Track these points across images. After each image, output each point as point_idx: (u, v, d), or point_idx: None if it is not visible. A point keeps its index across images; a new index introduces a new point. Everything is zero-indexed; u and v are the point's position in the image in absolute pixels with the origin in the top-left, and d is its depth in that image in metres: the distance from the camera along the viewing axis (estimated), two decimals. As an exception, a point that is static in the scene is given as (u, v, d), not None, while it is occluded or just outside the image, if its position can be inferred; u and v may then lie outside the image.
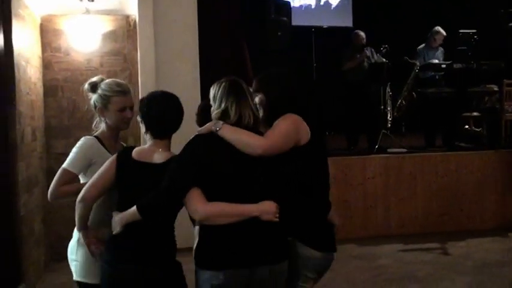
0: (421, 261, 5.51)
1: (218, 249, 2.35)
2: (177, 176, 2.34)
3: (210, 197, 2.36)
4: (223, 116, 2.46)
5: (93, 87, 2.82)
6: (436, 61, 7.50)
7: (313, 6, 11.16)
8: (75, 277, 2.84)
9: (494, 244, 6.09)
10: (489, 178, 6.76)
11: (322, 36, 10.09)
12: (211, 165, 2.38)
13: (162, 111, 2.53)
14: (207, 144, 2.42)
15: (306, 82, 8.55)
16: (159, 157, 2.49)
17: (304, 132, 2.55)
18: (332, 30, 10.74)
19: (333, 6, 11.30)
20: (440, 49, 7.64)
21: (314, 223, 2.61)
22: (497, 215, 6.77)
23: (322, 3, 11.25)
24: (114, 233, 2.46)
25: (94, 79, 2.85)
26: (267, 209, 2.36)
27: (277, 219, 2.36)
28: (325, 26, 10.77)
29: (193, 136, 2.49)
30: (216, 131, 2.41)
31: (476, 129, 7.95)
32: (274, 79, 2.69)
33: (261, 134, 2.49)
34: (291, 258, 2.51)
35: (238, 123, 2.44)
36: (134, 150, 2.56)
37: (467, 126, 8.03)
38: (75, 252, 2.83)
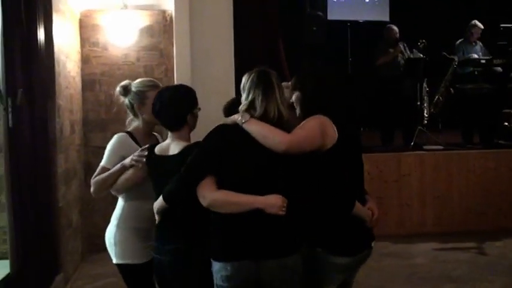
0: (456, 260, 5.42)
1: (226, 240, 2.40)
2: (192, 164, 2.42)
3: (229, 189, 2.40)
4: (250, 107, 2.47)
5: (125, 89, 2.98)
6: (476, 56, 7.33)
7: (342, 2, 11.04)
8: (115, 261, 2.95)
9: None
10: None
11: (358, 30, 10.00)
12: (230, 157, 2.41)
13: (158, 104, 2.65)
14: (228, 136, 2.45)
15: (342, 81, 8.46)
16: (174, 148, 2.60)
17: (331, 137, 2.50)
18: (368, 25, 10.63)
19: (368, 0, 11.16)
20: (480, 44, 7.47)
21: (336, 229, 2.54)
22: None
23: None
24: (156, 223, 2.61)
25: (124, 83, 3.00)
26: (272, 202, 2.35)
27: (283, 213, 2.34)
28: (360, 21, 10.68)
29: (217, 125, 2.52)
30: (242, 123, 2.41)
31: (515, 126, 7.77)
32: (311, 78, 2.67)
33: (285, 130, 2.45)
34: (319, 264, 2.52)
35: (264, 117, 2.44)
36: (157, 145, 2.71)
37: (506, 123, 7.84)
38: (113, 236, 2.98)
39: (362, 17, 10.91)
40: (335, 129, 2.52)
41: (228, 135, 2.45)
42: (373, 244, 2.68)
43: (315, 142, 2.46)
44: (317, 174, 2.49)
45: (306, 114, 2.60)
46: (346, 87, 8.35)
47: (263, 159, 2.40)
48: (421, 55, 7.17)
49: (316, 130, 2.47)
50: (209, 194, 2.39)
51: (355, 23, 10.29)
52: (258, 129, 2.40)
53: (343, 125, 2.58)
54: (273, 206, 2.34)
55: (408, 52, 7.40)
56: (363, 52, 9.53)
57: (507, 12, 7.81)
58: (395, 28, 7.50)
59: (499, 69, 7.27)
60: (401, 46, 7.42)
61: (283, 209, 2.34)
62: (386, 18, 11.00)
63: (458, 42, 7.51)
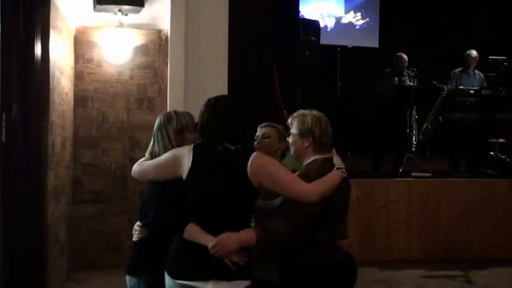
0: (443, 288, 5.45)
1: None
2: None
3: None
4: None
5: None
6: (468, 87, 7.45)
7: (331, 28, 11.18)
8: None
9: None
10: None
11: (347, 56, 10.12)
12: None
13: None
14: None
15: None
16: None
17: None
18: (357, 51, 10.77)
19: (358, 26, 11.32)
20: (478, 74, 7.60)
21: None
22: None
23: (345, 23, 11.27)
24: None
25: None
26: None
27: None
28: (349, 46, 10.82)
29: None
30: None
31: (502, 156, 7.86)
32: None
33: None
34: None
35: None
36: None
37: (492, 153, 7.94)
38: None
39: (352, 42, 11.08)
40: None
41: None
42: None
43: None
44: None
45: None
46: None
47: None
48: (412, 83, 7.27)
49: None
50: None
51: (344, 48, 10.42)
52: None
53: None
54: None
55: (410, 81, 7.43)
56: (352, 77, 9.68)
57: (496, 44, 7.99)
58: (405, 57, 7.61)
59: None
60: (406, 75, 7.48)
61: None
62: (376, 45, 11.19)
63: (456, 70, 7.65)
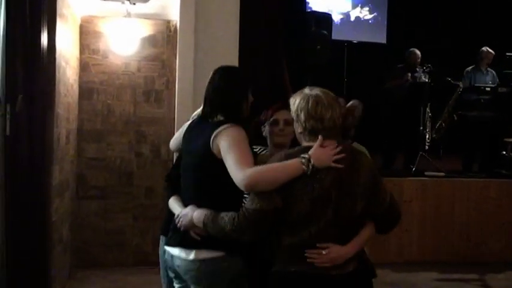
0: (460, 292, 5.27)
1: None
2: None
3: None
4: None
5: None
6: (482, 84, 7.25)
7: (344, 21, 10.97)
8: None
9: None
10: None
11: (354, 51, 9.91)
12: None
13: None
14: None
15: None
16: None
17: None
18: (364, 46, 10.55)
19: (365, 21, 11.10)
20: (492, 72, 7.39)
21: None
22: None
23: (352, 19, 11.06)
24: None
25: None
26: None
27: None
28: (354, 41, 10.60)
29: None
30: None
31: (514, 156, 7.67)
32: None
33: None
34: None
35: None
36: None
37: (504, 152, 7.75)
38: None
39: (359, 38, 10.85)
40: None
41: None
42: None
43: None
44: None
45: None
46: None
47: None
48: (426, 79, 7.07)
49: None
50: None
51: (351, 44, 10.21)
52: None
53: None
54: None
55: (424, 77, 7.23)
56: (359, 73, 9.47)
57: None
58: (418, 53, 7.40)
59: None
60: (420, 71, 7.28)
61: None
62: (384, 41, 10.97)
63: (468, 68, 7.43)
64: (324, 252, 2.26)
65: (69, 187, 5.23)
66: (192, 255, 2.49)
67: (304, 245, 2.27)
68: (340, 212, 2.26)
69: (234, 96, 2.56)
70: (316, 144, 2.29)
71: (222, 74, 2.60)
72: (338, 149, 2.29)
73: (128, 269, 5.56)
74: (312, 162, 2.24)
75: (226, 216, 2.32)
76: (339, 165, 2.27)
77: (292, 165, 2.26)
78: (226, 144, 2.41)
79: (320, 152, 2.28)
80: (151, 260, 5.64)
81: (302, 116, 2.31)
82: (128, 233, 5.69)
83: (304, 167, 2.24)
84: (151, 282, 5.32)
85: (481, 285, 5.54)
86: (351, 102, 3.14)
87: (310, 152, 2.27)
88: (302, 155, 2.26)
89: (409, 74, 7.26)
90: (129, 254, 5.70)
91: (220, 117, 2.53)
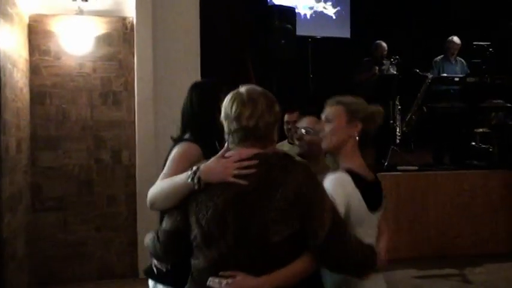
0: (440, 290, 5.10)
1: None
2: None
3: None
4: None
5: None
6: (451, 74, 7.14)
7: (308, 16, 10.81)
8: None
9: (515, 271, 5.69)
10: (506, 199, 6.36)
11: (318, 47, 9.74)
12: None
13: None
14: None
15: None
16: None
17: None
18: (328, 41, 10.39)
19: (328, 16, 10.95)
20: (461, 62, 7.29)
21: None
22: (513, 238, 6.38)
23: (316, 12, 10.89)
24: None
25: None
26: None
27: None
28: (318, 37, 10.43)
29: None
30: None
31: (484, 146, 7.59)
32: None
33: None
34: None
35: None
36: None
37: (474, 143, 7.66)
38: None
39: (323, 33, 10.69)
40: None
41: None
42: None
43: None
44: None
45: None
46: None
47: None
48: (394, 72, 6.92)
49: None
50: None
51: (314, 39, 10.04)
52: None
53: None
54: None
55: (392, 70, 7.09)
56: (324, 68, 9.29)
57: (480, 29, 7.69)
58: (384, 45, 7.27)
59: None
60: (387, 64, 7.13)
61: None
62: (347, 35, 10.83)
63: (437, 58, 7.32)
64: (224, 282, 1.82)
65: (23, 199, 4.85)
66: None
67: (208, 271, 1.88)
68: (246, 237, 1.82)
69: (199, 114, 2.47)
70: (218, 154, 1.93)
71: (190, 92, 2.56)
72: (247, 161, 1.85)
73: (92, 284, 5.22)
74: (199, 176, 1.89)
75: (149, 238, 2.07)
76: (240, 181, 1.83)
77: (179, 180, 1.95)
78: (169, 159, 2.35)
79: (213, 165, 1.89)
80: (116, 273, 5.38)
81: (223, 116, 1.97)
82: (90, 245, 5.34)
83: (190, 181, 1.91)
84: (117, 296, 5.03)
85: (461, 281, 5.36)
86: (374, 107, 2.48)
87: (204, 164, 1.93)
88: (193, 168, 1.93)
89: (377, 67, 7.11)
90: (93, 267, 5.35)
91: (187, 135, 2.45)
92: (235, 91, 1.95)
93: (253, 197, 1.81)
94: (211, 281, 1.84)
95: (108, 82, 5.44)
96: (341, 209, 2.00)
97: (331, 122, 2.22)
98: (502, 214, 6.37)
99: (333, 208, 1.87)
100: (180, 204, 1.95)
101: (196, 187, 1.88)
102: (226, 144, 1.94)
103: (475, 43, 7.03)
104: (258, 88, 1.96)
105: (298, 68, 8.96)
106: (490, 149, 7.20)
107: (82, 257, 5.31)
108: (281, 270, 1.82)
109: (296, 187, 1.79)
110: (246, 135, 1.88)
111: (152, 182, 2.17)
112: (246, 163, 1.84)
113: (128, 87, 5.48)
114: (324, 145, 2.24)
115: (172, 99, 5.46)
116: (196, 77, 5.56)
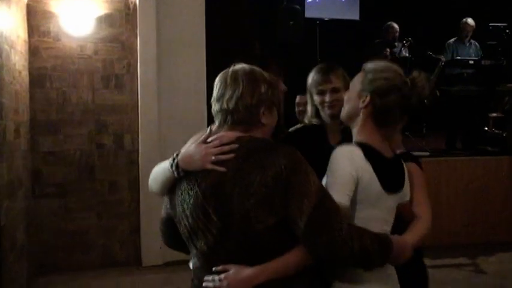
0: (453, 280, 4.93)
1: None
2: None
3: None
4: None
5: None
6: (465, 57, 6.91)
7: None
8: None
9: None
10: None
11: (326, 29, 9.50)
12: None
13: None
14: None
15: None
16: None
17: None
18: (337, 23, 10.15)
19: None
20: (475, 44, 7.05)
21: None
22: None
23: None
24: None
25: None
26: None
27: None
28: (326, 19, 10.20)
29: None
30: None
31: (496, 131, 7.37)
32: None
33: None
34: None
35: None
36: None
37: (486, 128, 7.45)
38: None
39: (332, 15, 10.44)
40: None
41: None
42: None
43: None
44: None
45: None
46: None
47: None
48: (407, 54, 6.69)
49: None
50: None
51: (322, 21, 9.81)
52: None
53: None
54: None
55: (404, 52, 6.85)
56: (332, 52, 9.06)
57: (496, 10, 7.43)
58: (396, 26, 7.05)
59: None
60: (399, 46, 6.90)
61: None
62: (356, 17, 10.58)
63: (450, 41, 7.08)
64: (217, 278, 1.73)
65: (23, 185, 4.69)
66: None
67: (203, 269, 1.80)
68: (229, 227, 1.71)
69: None
70: (200, 139, 1.81)
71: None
72: (227, 146, 1.74)
73: (94, 272, 5.08)
74: (177, 163, 1.78)
75: None
76: (219, 168, 1.72)
77: (164, 165, 1.84)
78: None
79: (192, 151, 1.78)
80: (119, 261, 5.27)
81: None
82: (92, 233, 5.21)
83: (170, 169, 1.80)
84: (119, 285, 4.90)
85: (474, 271, 5.22)
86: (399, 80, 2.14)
87: (184, 150, 1.82)
88: (174, 153, 1.83)
89: (388, 50, 6.88)
90: (95, 256, 5.22)
91: None
92: (224, 70, 1.83)
93: (231, 184, 1.70)
94: (206, 280, 1.75)
95: (110, 65, 5.27)
96: (348, 183, 1.81)
97: (348, 90, 2.05)
98: (516, 201, 6.18)
99: (320, 194, 1.68)
100: (170, 190, 1.85)
101: (175, 174, 1.78)
102: (209, 128, 1.85)
103: (491, 24, 6.78)
104: (247, 68, 1.81)
105: (306, 50, 8.75)
106: (504, 135, 7.01)
107: (83, 245, 5.18)
108: (276, 260, 1.71)
109: (275, 172, 1.66)
110: (226, 117, 1.78)
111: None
112: (226, 148, 1.73)
113: (131, 69, 5.31)
114: (341, 115, 2.07)
115: (176, 81, 5.32)
116: (202, 59, 5.42)
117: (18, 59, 4.62)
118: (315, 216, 1.64)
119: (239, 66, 1.81)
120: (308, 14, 9.19)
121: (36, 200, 5.09)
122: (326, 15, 10.08)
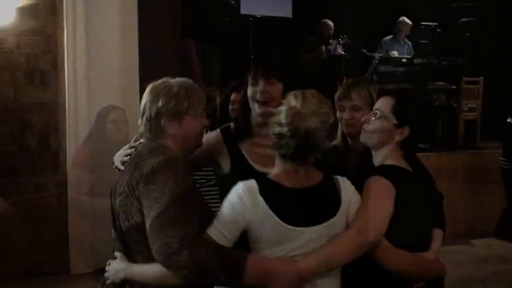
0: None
1: None
2: None
3: None
4: None
5: None
6: (396, 54, 7.06)
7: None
8: None
9: (460, 256, 5.63)
10: (451, 181, 6.32)
11: (259, 26, 9.49)
12: None
13: None
14: None
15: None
16: None
17: None
18: (269, 20, 10.15)
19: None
20: (408, 43, 7.23)
21: None
22: (458, 221, 6.35)
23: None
24: None
25: None
26: None
27: None
28: (258, 16, 10.18)
29: None
30: None
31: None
32: None
33: None
34: None
35: None
36: None
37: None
38: None
39: (264, 12, 10.44)
40: None
41: None
42: None
43: None
44: None
45: None
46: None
47: None
48: (342, 52, 6.75)
49: None
50: None
51: (255, 18, 9.80)
52: None
53: None
54: None
55: (339, 50, 6.90)
56: (265, 49, 9.03)
57: (427, 9, 7.63)
58: (330, 24, 7.09)
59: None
60: (334, 44, 6.94)
61: None
62: (289, 14, 10.61)
63: (386, 38, 7.24)
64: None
65: None
66: None
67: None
68: (115, 223, 1.95)
69: None
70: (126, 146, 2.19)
71: None
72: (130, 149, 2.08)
73: (17, 283, 4.75)
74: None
75: None
76: (120, 167, 2.05)
77: None
78: None
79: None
80: (45, 270, 4.96)
81: None
82: (15, 240, 4.87)
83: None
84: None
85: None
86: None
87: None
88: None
89: (323, 47, 6.90)
90: (18, 265, 4.89)
91: None
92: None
93: (119, 183, 1.92)
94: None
95: (34, 59, 4.95)
96: (229, 224, 1.82)
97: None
98: (446, 197, 6.32)
99: (168, 203, 1.74)
100: None
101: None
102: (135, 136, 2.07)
103: (422, 23, 6.96)
104: (158, 82, 2.00)
105: (239, 47, 8.67)
106: (434, 131, 7.20)
107: (5, 254, 4.83)
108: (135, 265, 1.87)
109: (139, 175, 1.81)
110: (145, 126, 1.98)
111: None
112: (129, 151, 2.04)
113: (58, 65, 5.01)
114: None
115: (106, 77, 5.07)
116: (134, 54, 5.21)
117: None
118: (156, 222, 1.73)
119: (160, 81, 2.00)
120: (243, 10, 9.15)
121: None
122: (260, 12, 10.07)
